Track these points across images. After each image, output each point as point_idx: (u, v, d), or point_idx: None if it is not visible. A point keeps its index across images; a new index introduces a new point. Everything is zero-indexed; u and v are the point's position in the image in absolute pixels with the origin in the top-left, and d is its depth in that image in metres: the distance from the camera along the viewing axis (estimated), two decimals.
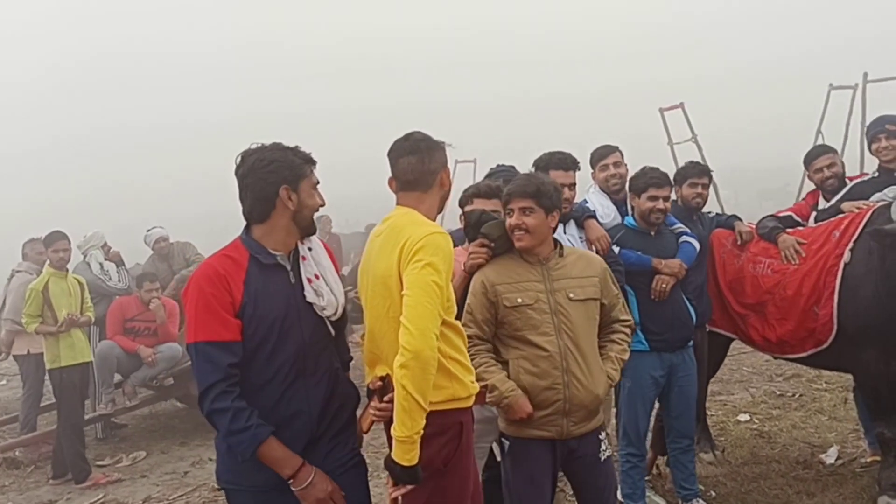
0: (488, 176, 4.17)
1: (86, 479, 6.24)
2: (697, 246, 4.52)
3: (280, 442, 2.56)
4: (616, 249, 4.32)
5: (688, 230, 4.57)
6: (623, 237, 4.39)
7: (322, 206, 2.76)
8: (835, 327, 4.38)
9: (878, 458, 4.74)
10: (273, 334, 2.61)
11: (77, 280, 6.68)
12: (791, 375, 7.61)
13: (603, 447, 3.37)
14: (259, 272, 2.64)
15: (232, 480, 2.69)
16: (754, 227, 5.04)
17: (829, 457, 5.34)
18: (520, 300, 3.25)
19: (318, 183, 2.76)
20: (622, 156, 4.77)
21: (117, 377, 7.52)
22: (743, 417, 6.52)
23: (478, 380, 2.93)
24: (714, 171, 5.20)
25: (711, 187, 5.32)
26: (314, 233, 2.80)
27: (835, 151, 5.20)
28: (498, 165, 4.29)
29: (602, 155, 4.75)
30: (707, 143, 13.61)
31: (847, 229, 4.45)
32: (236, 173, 2.68)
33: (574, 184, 4.13)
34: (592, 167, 4.80)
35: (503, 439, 3.35)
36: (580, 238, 4.21)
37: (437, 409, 2.63)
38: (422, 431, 2.53)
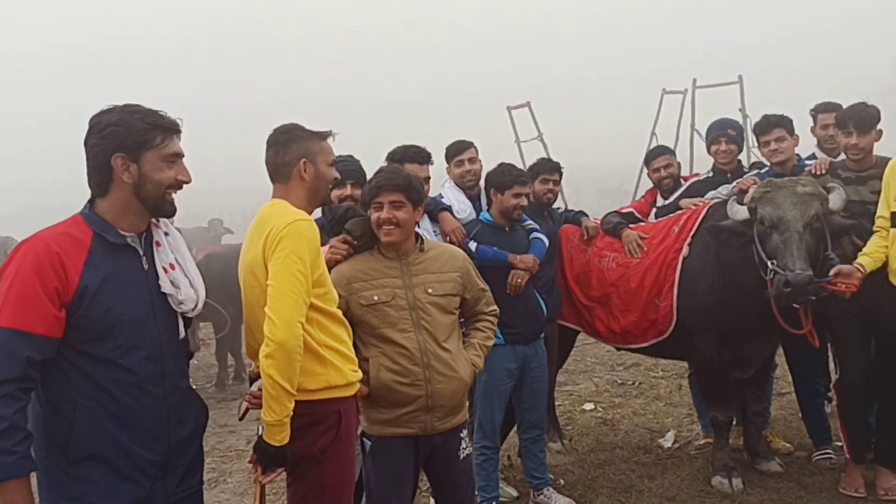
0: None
1: None
2: (547, 242, 4.64)
3: (28, 488, 2.16)
4: (473, 244, 4.36)
5: (537, 226, 4.68)
6: (479, 232, 4.44)
7: (186, 182, 2.44)
8: (674, 318, 4.63)
9: (710, 441, 5.06)
10: (124, 330, 2.29)
11: None
12: (631, 365, 8.01)
13: (464, 445, 3.37)
14: (105, 254, 2.31)
15: None
16: (599, 222, 5.24)
17: (667, 441, 5.65)
18: (376, 298, 3.19)
19: (177, 155, 2.41)
20: (477, 152, 4.82)
21: None
22: (588, 406, 6.80)
23: None
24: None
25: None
26: (170, 215, 2.48)
27: (672, 153, 5.51)
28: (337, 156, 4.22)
29: (458, 150, 4.77)
30: (551, 143, 14.08)
31: (685, 225, 4.71)
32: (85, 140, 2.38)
33: (429, 178, 4.12)
34: (448, 162, 4.81)
35: (364, 439, 3.28)
36: (434, 231, 4.22)
37: (313, 399, 2.66)
38: (290, 414, 2.53)
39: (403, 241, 3.28)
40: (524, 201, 4.40)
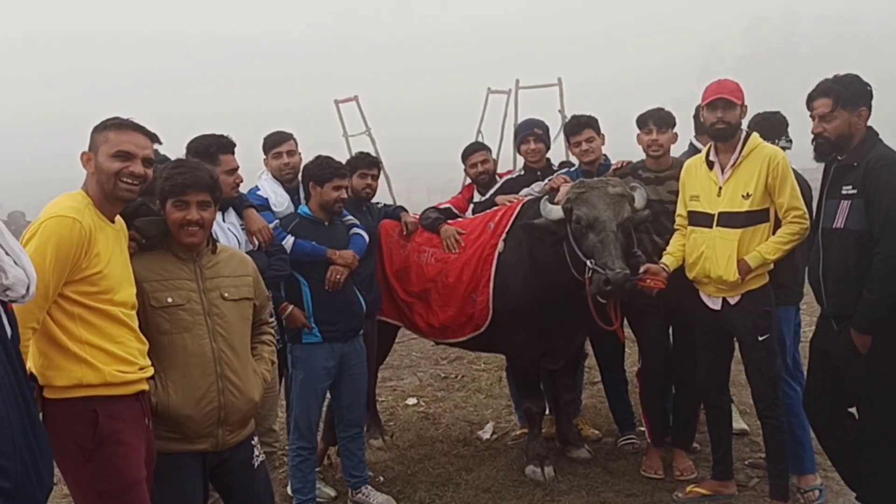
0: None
1: None
2: (367, 237, 4.59)
3: None
4: (290, 239, 4.23)
5: (357, 222, 4.62)
6: (297, 226, 4.32)
7: None
8: (490, 312, 4.72)
9: (526, 431, 5.21)
10: None
11: None
12: (454, 358, 8.13)
13: (256, 452, 3.22)
14: None
15: None
16: (418, 218, 5.26)
17: (486, 433, 5.78)
18: (169, 300, 2.98)
19: None
20: (296, 144, 4.68)
21: None
22: (411, 401, 6.83)
23: None
24: (387, 165, 5.33)
25: (384, 180, 5.44)
26: None
27: (487, 149, 5.62)
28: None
29: (276, 142, 4.61)
30: (381, 139, 14.06)
31: (500, 221, 4.81)
32: None
33: (237, 168, 3.94)
34: (265, 154, 4.64)
35: None
36: (241, 227, 4.02)
37: (61, 397, 2.56)
38: None
39: (202, 242, 3.09)
40: (344, 194, 4.32)
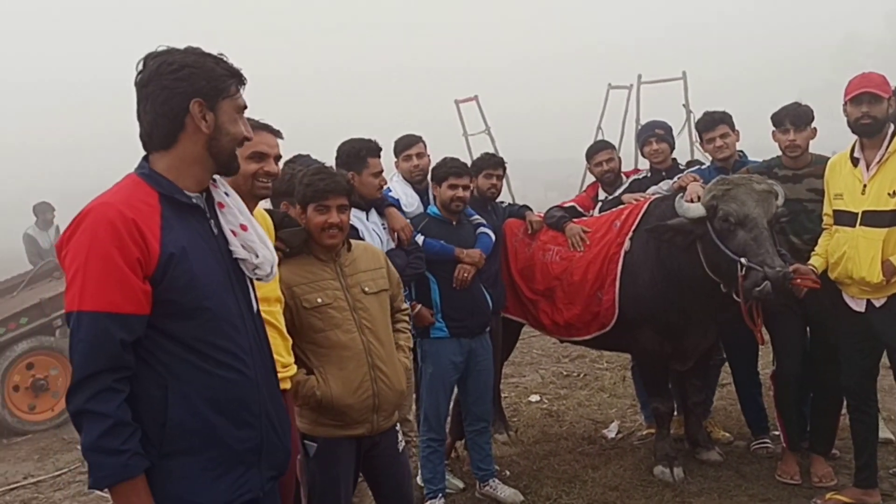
0: (289, 163, 4.04)
1: None
2: (493, 236, 4.66)
3: (146, 487, 1.95)
4: (420, 238, 4.36)
5: (484, 221, 4.70)
6: (426, 226, 4.45)
7: (248, 139, 2.21)
8: (616, 311, 4.69)
9: (653, 431, 5.16)
10: (210, 302, 2.04)
11: None
12: (576, 357, 8.11)
13: (399, 438, 3.39)
14: (178, 217, 2.04)
15: None
16: (543, 216, 5.29)
17: (611, 431, 5.74)
18: (319, 300, 3.17)
19: (244, 107, 2.18)
20: (425, 146, 4.82)
21: None
22: (534, 398, 6.87)
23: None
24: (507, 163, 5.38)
25: (504, 178, 5.48)
26: (235, 172, 2.24)
27: (613, 147, 5.59)
28: (297, 155, 4.18)
29: (406, 145, 4.77)
30: (499, 135, 14.15)
31: (627, 220, 4.78)
32: (136, 81, 2.07)
33: (382, 170, 4.13)
34: (396, 156, 4.81)
35: (307, 441, 3.23)
36: (383, 225, 4.21)
37: None
38: None
39: (340, 244, 3.28)
40: (461, 192, 4.40)
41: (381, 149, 4.14)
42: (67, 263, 1.95)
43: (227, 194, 2.22)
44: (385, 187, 4.70)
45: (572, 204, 5.44)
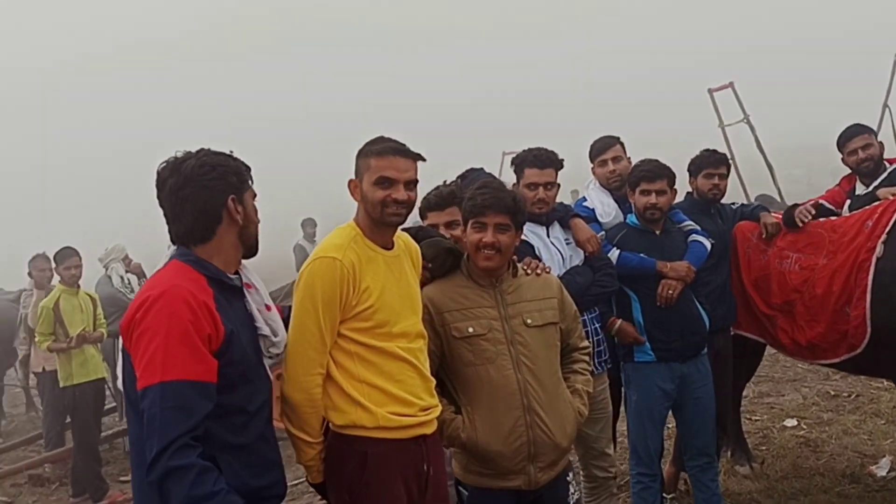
0: (458, 178, 3.83)
1: (103, 498, 6.20)
2: (709, 245, 4.07)
3: None
4: (615, 252, 3.93)
5: (697, 227, 4.13)
6: (624, 237, 3.98)
7: (258, 221, 2.44)
8: (868, 329, 3.90)
9: None
10: (251, 374, 2.28)
11: (89, 296, 6.62)
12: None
13: (571, 490, 2.98)
14: (224, 298, 2.25)
15: None
16: (780, 217, 4.55)
17: (881, 469, 4.85)
18: (471, 329, 2.84)
19: (255, 195, 2.43)
20: (624, 149, 4.33)
21: None
22: (790, 422, 6.04)
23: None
24: (773, 152, 4.69)
25: (761, 169, 4.78)
26: (256, 253, 2.44)
27: (871, 131, 4.66)
28: (470, 170, 3.94)
29: (600, 149, 4.32)
30: (760, 123, 12.90)
31: (880, 220, 3.96)
32: (162, 187, 2.27)
33: (552, 183, 3.72)
34: (591, 161, 4.38)
35: (460, 487, 2.97)
36: (566, 241, 3.81)
37: (341, 434, 2.57)
38: (312, 458, 2.58)
39: (500, 267, 2.92)
40: (654, 199, 3.86)
41: (556, 160, 3.74)
42: (144, 342, 2.09)
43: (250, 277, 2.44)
44: (580, 197, 4.34)
45: (820, 201, 4.63)
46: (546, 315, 2.95)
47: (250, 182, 2.39)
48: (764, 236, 4.52)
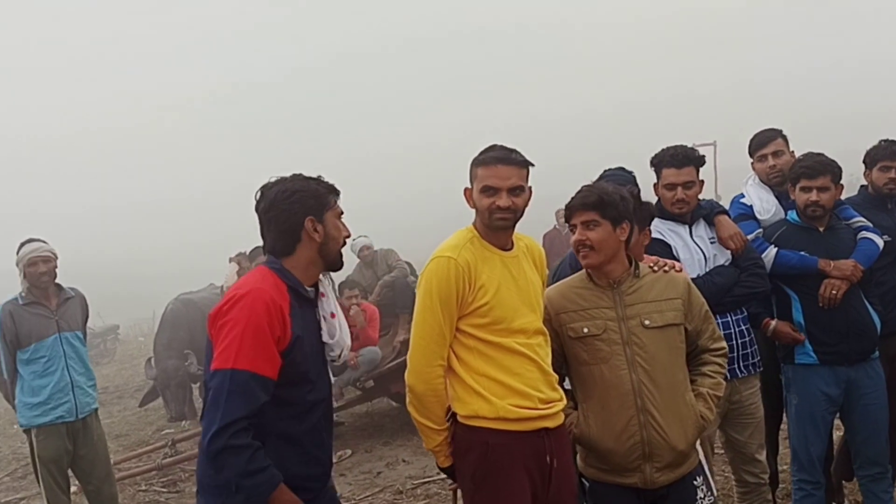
0: (600, 179, 3.86)
1: None
2: (881, 243, 3.84)
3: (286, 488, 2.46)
4: (773, 250, 3.81)
5: (869, 224, 3.90)
6: (784, 235, 3.85)
7: (347, 237, 2.72)
8: None
9: None
10: (312, 377, 2.58)
11: None
12: None
13: (700, 494, 2.95)
14: (298, 305, 2.56)
15: None
16: None
17: None
18: (586, 330, 2.91)
19: (342, 213, 2.70)
20: (786, 142, 4.16)
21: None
22: None
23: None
24: None
25: None
26: (340, 268, 2.73)
27: None
28: (607, 170, 3.95)
29: (760, 143, 4.16)
30: None
31: None
32: (257, 208, 2.63)
33: (690, 181, 3.65)
34: (751, 156, 4.24)
35: (582, 479, 3.04)
36: (710, 239, 3.72)
37: (465, 424, 2.75)
38: (439, 443, 2.80)
39: (606, 264, 2.93)
40: (814, 196, 3.70)
41: (693, 158, 3.68)
42: (226, 331, 2.42)
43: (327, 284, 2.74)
44: (738, 193, 4.22)
45: None
46: (667, 316, 2.94)
47: (332, 202, 2.65)
48: None
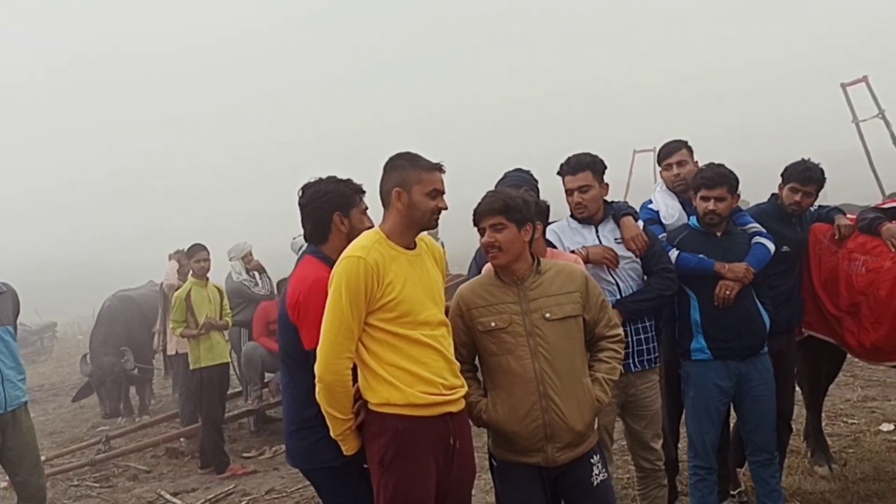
0: (501, 181, 4.11)
1: (225, 470, 6.88)
2: (772, 247, 4.14)
3: None
4: (675, 253, 4.10)
5: (762, 230, 4.21)
6: (685, 239, 4.14)
7: (371, 227, 3.16)
8: None
9: None
10: None
11: (217, 288, 7.34)
12: None
13: (596, 471, 3.22)
14: None
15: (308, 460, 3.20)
16: (855, 219, 4.55)
17: None
18: (493, 324, 3.16)
19: (367, 209, 3.27)
20: (691, 153, 4.47)
21: (268, 376, 8.16)
22: (886, 427, 5.95)
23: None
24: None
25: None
26: None
27: None
28: (508, 172, 4.21)
29: (666, 153, 4.47)
30: None
31: None
32: (299, 203, 3.26)
33: (586, 185, 3.89)
34: (659, 165, 4.56)
35: (492, 459, 3.31)
36: (615, 239, 3.98)
37: (376, 411, 2.94)
38: (344, 432, 2.98)
39: (512, 263, 3.18)
40: (712, 205, 3.99)
41: (590, 163, 3.90)
42: (312, 313, 3.00)
43: None
44: (647, 199, 4.51)
45: (894, 204, 4.60)
46: (566, 309, 3.19)
47: (358, 201, 3.27)
48: (836, 238, 4.52)
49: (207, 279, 7.23)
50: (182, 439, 7.87)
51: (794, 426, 5.63)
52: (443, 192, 3.03)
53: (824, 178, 4.42)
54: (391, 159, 3.04)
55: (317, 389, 2.93)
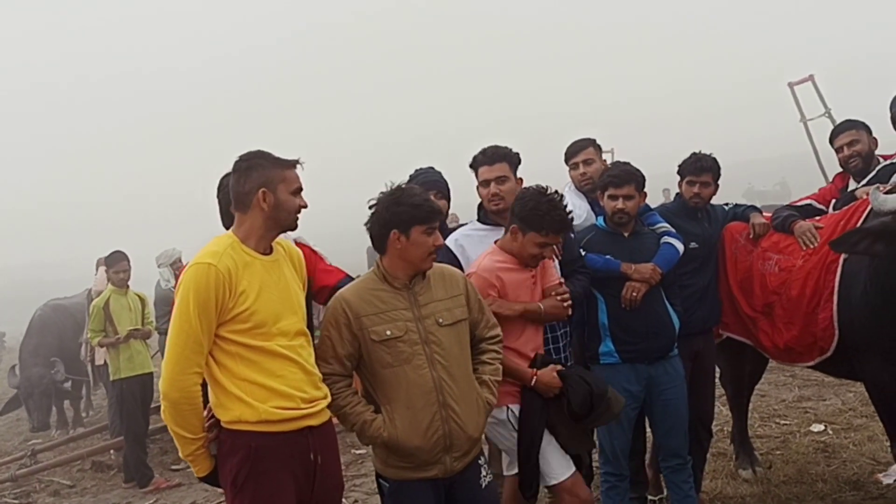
0: (410, 179, 3.97)
1: (148, 484, 6.67)
2: (681, 247, 4.04)
3: None
4: (581, 254, 3.97)
5: (671, 230, 4.11)
6: (592, 240, 4.01)
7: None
8: (836, 332, 3.81)
9: None
10: None
11: (138, 296, 7.12)
12: None
13: (483, 472, 3.10)
14: None
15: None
16: (770, 218, 4.46)
17: (889, 476, 4.67)
18: (389, 332, 2.95)
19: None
20: (598, 151, 4.36)
21: None
22: (816, 428, 5.88)
23: (343, 419, 2.98)
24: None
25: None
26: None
27: (862, 126, 4.49)
28: (418, 169, 4.07)
29: (573, 152, 4.36)
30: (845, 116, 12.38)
31: (850, 219, 3.85)
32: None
33: (503, 177, 3.70)
34: (566, 164, 4.43)
35: (381, 480, 3.12)
36: None
37: (228, 429, 2.74)
38: (194, 452, 2.76)
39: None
40: (621, 204, 3.87)
41: (505, 155, 3.73)
42: None
43: None
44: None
45: (808, 201, 4.52)
46: (455, 313, 3.06)
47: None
48: (751, 237, 4.43)
49: (128, 287, 7.01)
50: (111, 452, 7.62)
51: (724, 429, 5.62)
52: (302, 189, 2.85)
53: (718, 166, 4.35)
54: (245, 159, 2.81)
55: (162, 408, 2.70)
